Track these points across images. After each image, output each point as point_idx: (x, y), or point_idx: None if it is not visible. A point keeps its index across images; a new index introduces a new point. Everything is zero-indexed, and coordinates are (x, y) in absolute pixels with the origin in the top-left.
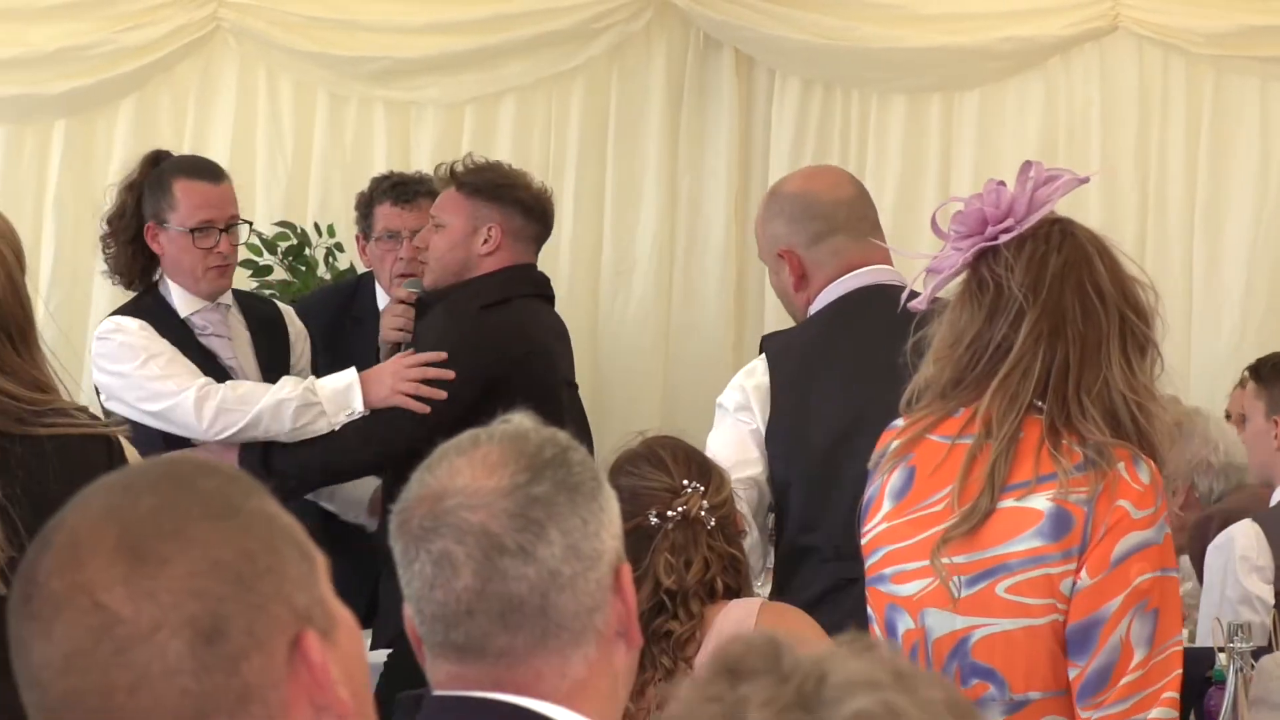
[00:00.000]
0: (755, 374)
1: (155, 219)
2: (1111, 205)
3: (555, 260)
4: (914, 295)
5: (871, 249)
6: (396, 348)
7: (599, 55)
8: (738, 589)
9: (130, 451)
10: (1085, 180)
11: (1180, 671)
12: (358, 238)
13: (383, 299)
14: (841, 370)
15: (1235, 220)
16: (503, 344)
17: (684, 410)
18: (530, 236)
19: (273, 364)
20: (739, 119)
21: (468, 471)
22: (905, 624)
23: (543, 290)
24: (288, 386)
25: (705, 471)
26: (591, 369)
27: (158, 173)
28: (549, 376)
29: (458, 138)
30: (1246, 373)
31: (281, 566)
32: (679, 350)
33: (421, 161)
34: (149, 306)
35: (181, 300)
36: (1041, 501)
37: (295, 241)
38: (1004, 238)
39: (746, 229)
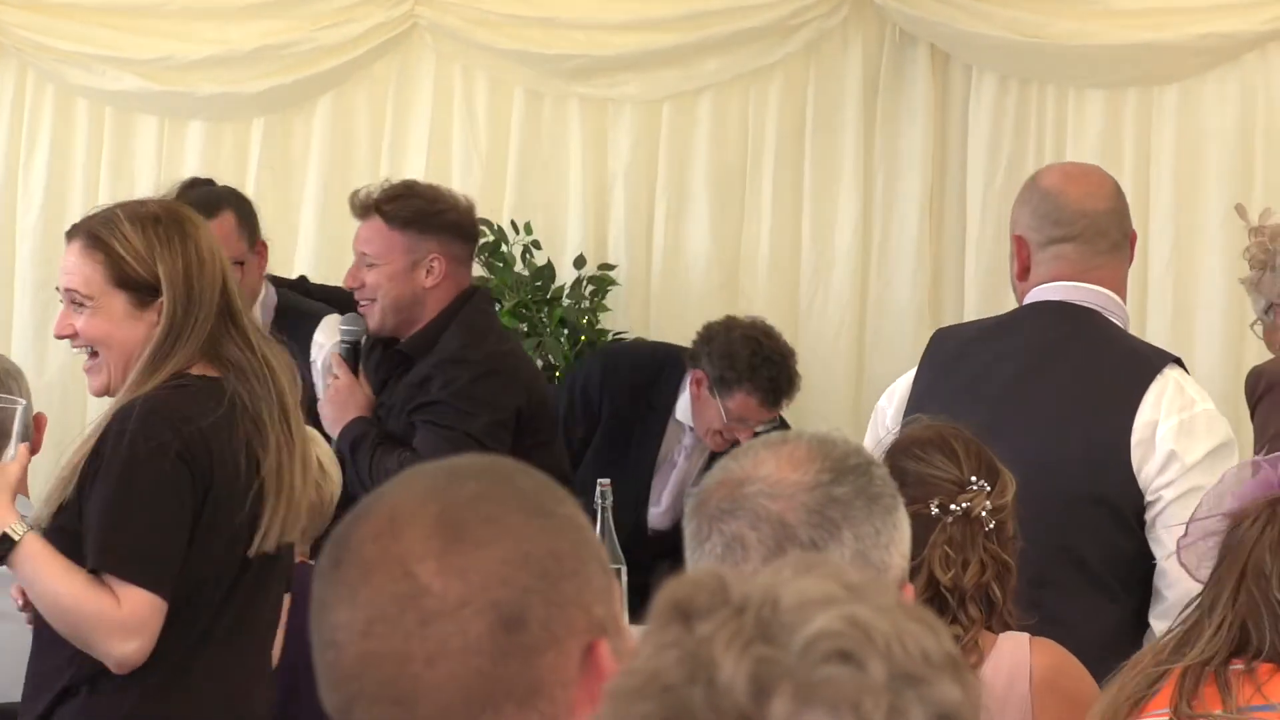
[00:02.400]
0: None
1: None
2: None
3: (754, 259)
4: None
5: (1097, 265)
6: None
7: (796, 52)
8: (1003, 601)
9: None
10: None
11: None
12: None
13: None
14: (969, 377)
15: None
16: (527, 379)
17: None
18: (468, 256)
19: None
20: (934, 116)
21: (773, 463)
22: None
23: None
24: None
25: (993, 471)
26: None
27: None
28: (550, 405)
29: (655, 135)
30: None
31: (585, 574)
32: (875, 348)
33: (618, 159)
34: None
35: None
36: None
37: (492, 238)
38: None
39: (941, 226)
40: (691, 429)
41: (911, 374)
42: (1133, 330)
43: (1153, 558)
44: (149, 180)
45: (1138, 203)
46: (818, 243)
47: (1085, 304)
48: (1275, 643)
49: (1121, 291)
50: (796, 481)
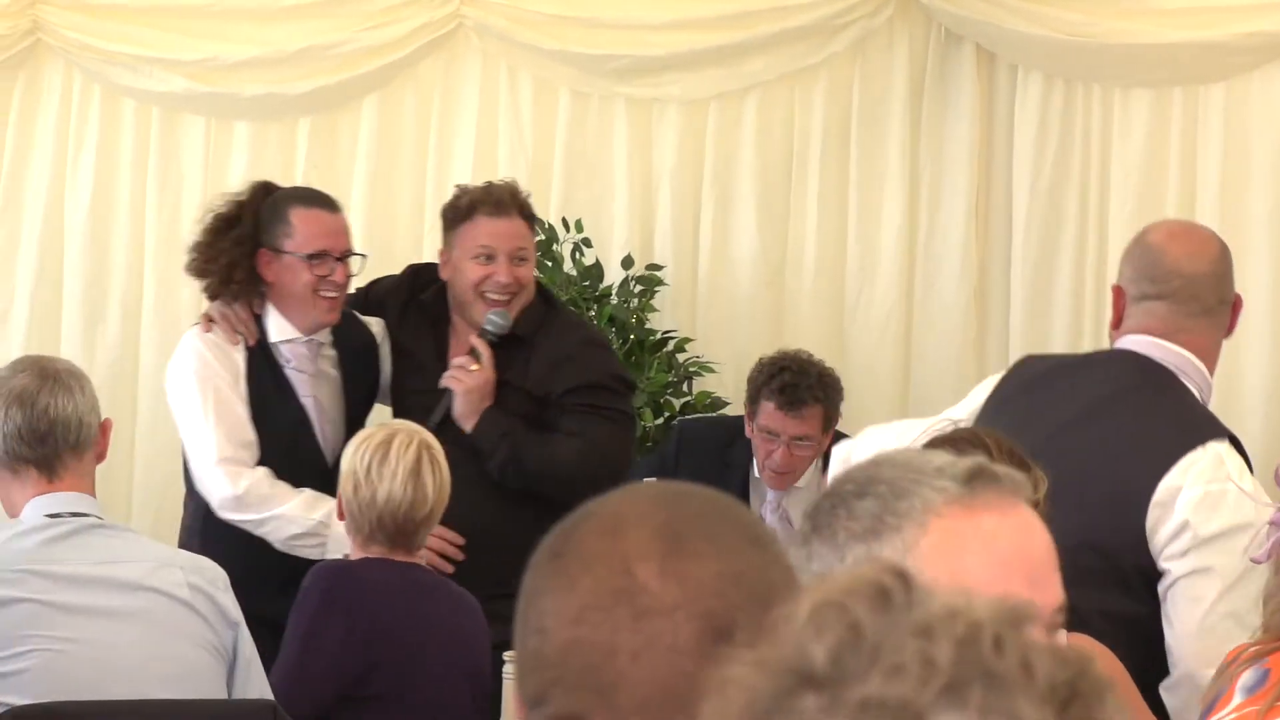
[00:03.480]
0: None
1: (270, 246)
2: None
3: (800, 258)
4: None
5: (1185, 328)
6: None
7: (841, 51)
8: None
9: None
10: None
11: None
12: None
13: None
14: (1035, 406)
15: None
16: None
17: (925, 408)
18: None
19: (362, 398)
20: (980, 115)
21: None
22: None
23: None
24: (305, 510)
25: (1024, 467)
26: (838, 366)
27: (272, 200)
28: None
29: (700, 135)
30: None
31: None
32: (920, 347)
33: (664, 159)
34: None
35: (276, 327)
36: None
37: (542, 237)
38: None
39: (988, 225)
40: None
41: (987, 387)
42: None
43: (1147, 623)
44: (196, 181)
45: (1183, 202)
46: (863, 242)
47: (1163, 361)
48: None
49: (1207, 357)
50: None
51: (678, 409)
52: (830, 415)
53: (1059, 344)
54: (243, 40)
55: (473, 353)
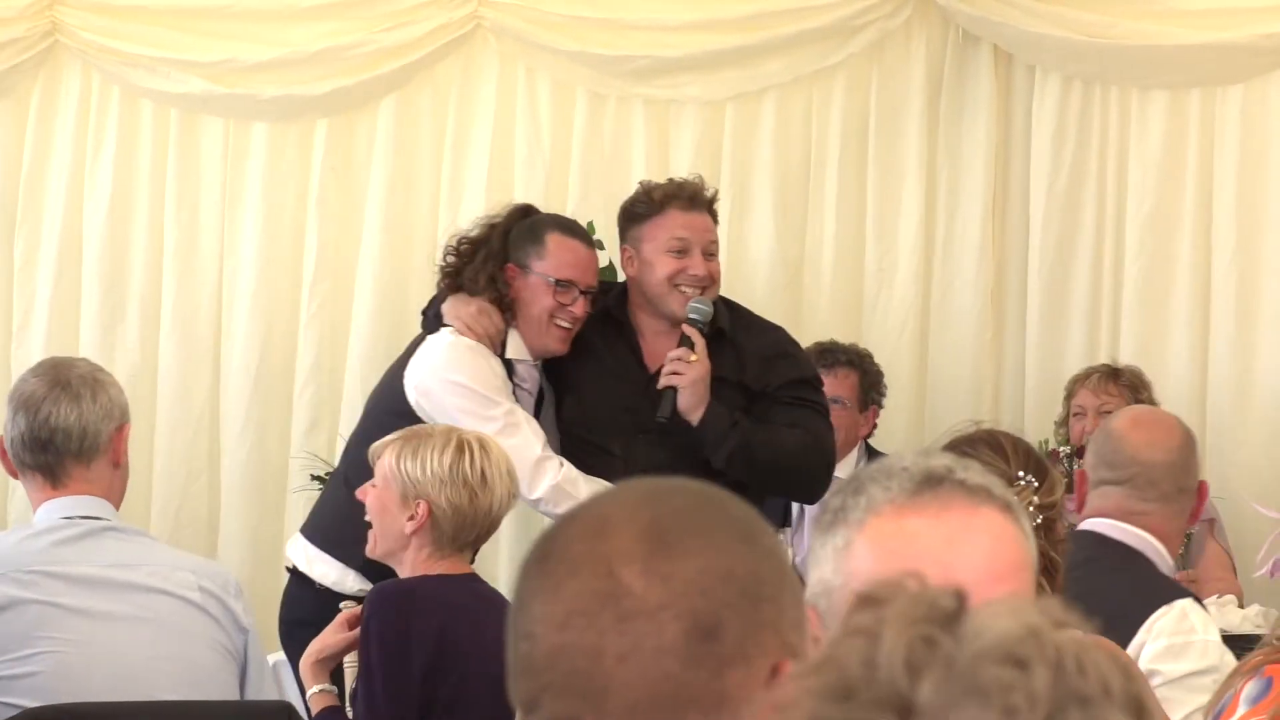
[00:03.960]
0: None
1: (519, 263)
2: None
3: (818, 258)
4: None
5: (1141, 511)
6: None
7: (859, 52)
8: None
9: None
10: None
11: None
12: None
13: None
14: None
15: None
16: None
17: (942, 409)
18: None
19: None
20: (997, 116)
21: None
22: None
23: None
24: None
25: (1042, 469)
26: None
27: (531, 222)
28: None
29: (718, 136)
30: None
31: (782, 601)
32: (938, 347)
33: (681, 161)
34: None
35: (514, 345)
36: None
37: None
38: None
39: (1005, 226)
40: None
41: None
42: (1195, 327)
43: None
44: (214, 182)
45: (1200, 203)
46: (881, 243)
47: (1121, 540)
48: None
49: (1168, 542)
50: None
51: None
52: (866, 386)
53: (1075, 345)
54: (261, 41)
55: (683, 342)
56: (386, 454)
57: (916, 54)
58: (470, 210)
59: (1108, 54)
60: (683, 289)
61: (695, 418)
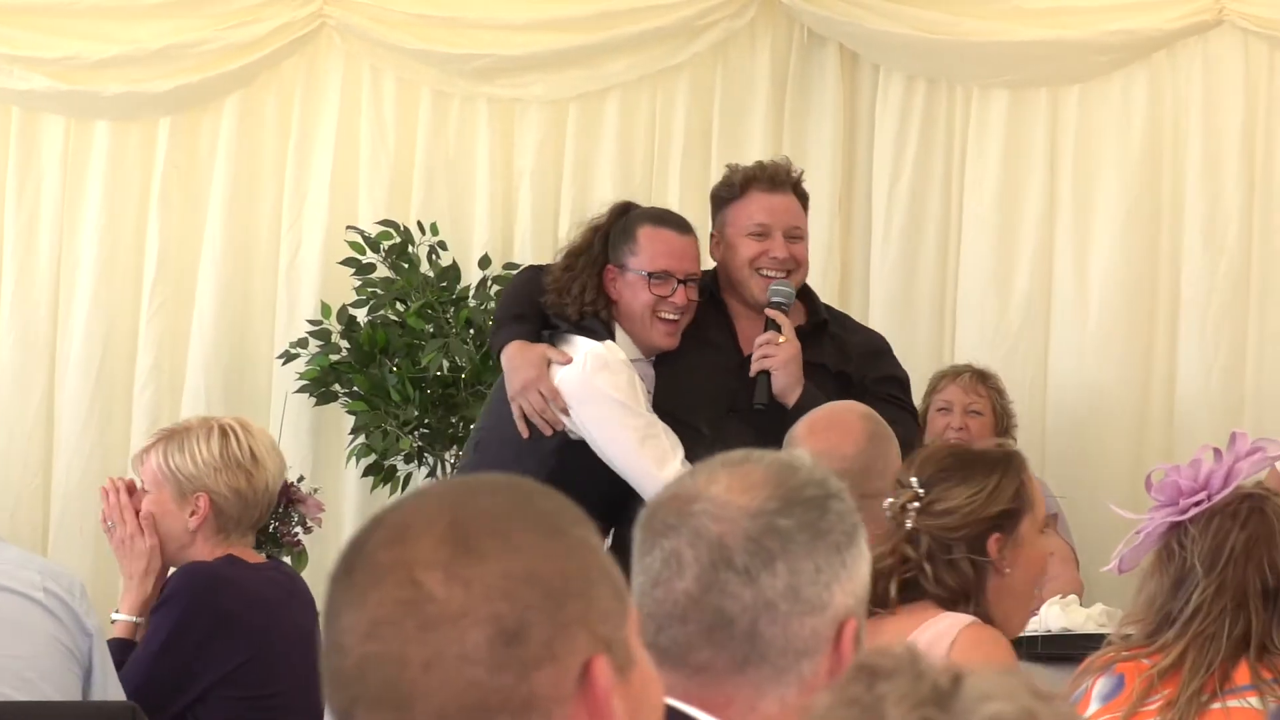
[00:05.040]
0: None
1: (617, 263)
2: (1215, 201)
3: None
4: None
5: None
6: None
7: (703, 52)
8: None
9: None
10: None
11: None
12: None
13: None
14: None
15: None
16: None
17: None
18: None
19: None
20: (843, 115)
21: (724, 483)
22: None
23: None
24: None
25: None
26: None
27: (626, 219)
28: None
29: (562, 135)
30: None
31: (592, 595)
32: None
33: (525, 159)
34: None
35: (624, 346)
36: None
37: (398, 240)
38: (1193, 511)
39: (850, 224)
40: None
41: None
42: (1035, 325)
43: None
44: (55, 181)
45: (1042, 201)
46: None
47: None
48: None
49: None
50: (742, 506)
51: None
52: None
53: (920, 343)
54: (104, 39)
55: (769, 327)
56: (151, 457)
57: (761, 53)
58: (314, 210)
59: (951, 52)
60: (764, 272)
61: (791, 399)
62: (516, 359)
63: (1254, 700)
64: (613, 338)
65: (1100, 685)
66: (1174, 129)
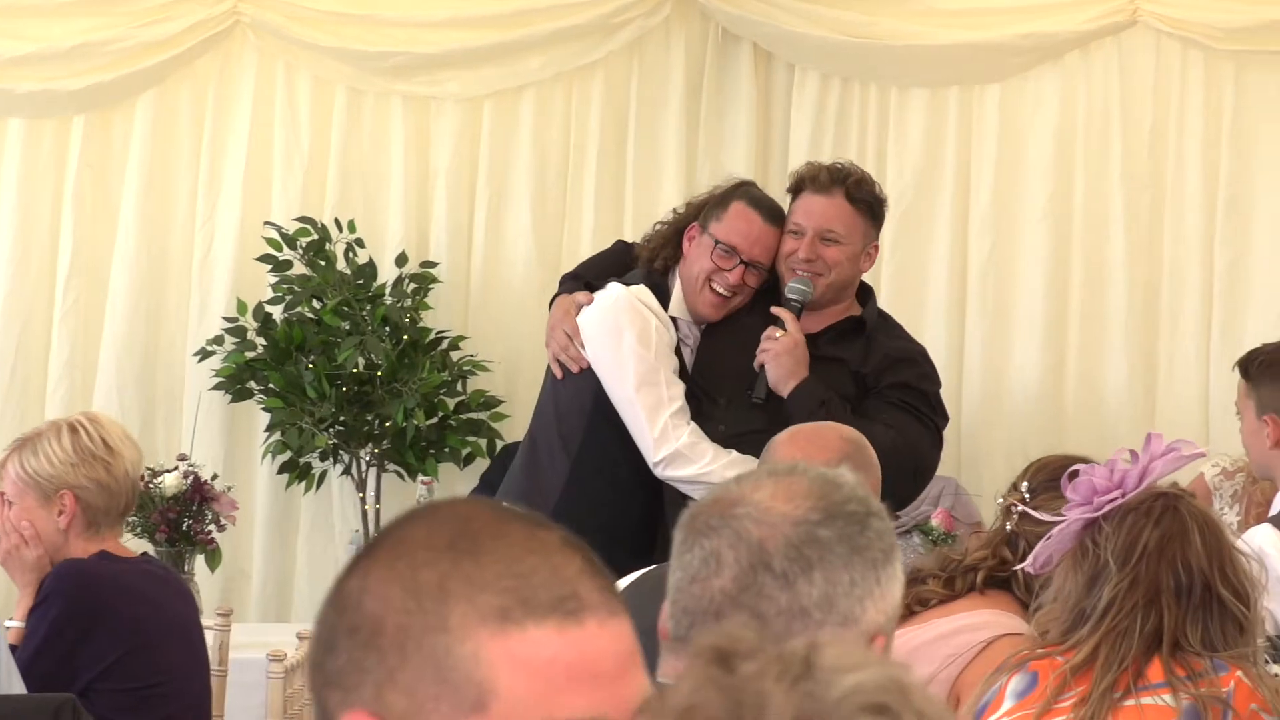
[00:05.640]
0: None
1: (701, 223)
2: (1129, 201)
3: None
4: None
5: None
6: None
7: (618, 50)
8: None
9: None
10: (1202, 454)
11: None
12: None
13: None
14: None
15: (1258, 216)
16: None
17: None
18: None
19: None
20: (757, 114)
21: (769, 490)
22: None
23: None
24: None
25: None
26: None
27: (732, 189)
28: None
29: (477, 132)
30: (1236, 368)
31: (397, 664)
32: None
33: (440, 156)
34: (658, 284)
35: (676, 301)
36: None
37: (315, 237)
38: (1107, 509)
39: None
40: None
41: None
42: (951, 325)
43: None
44: None
45: (958, 201)
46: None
47: None
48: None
49: None
50: (785, 514)
51: (451, 408)
52: None
53: None
54: (17, 36)
55: (776, 322)
56: (9, 468)
57: (676, 52)
58: (228, 208)
59: (866, 53)
60: (794, 270)
61: (785, 390)
62: (554, 310)
63: (1167, 697)
64: (667, 289)
65: (1015, 682)
66: (1088, 129)
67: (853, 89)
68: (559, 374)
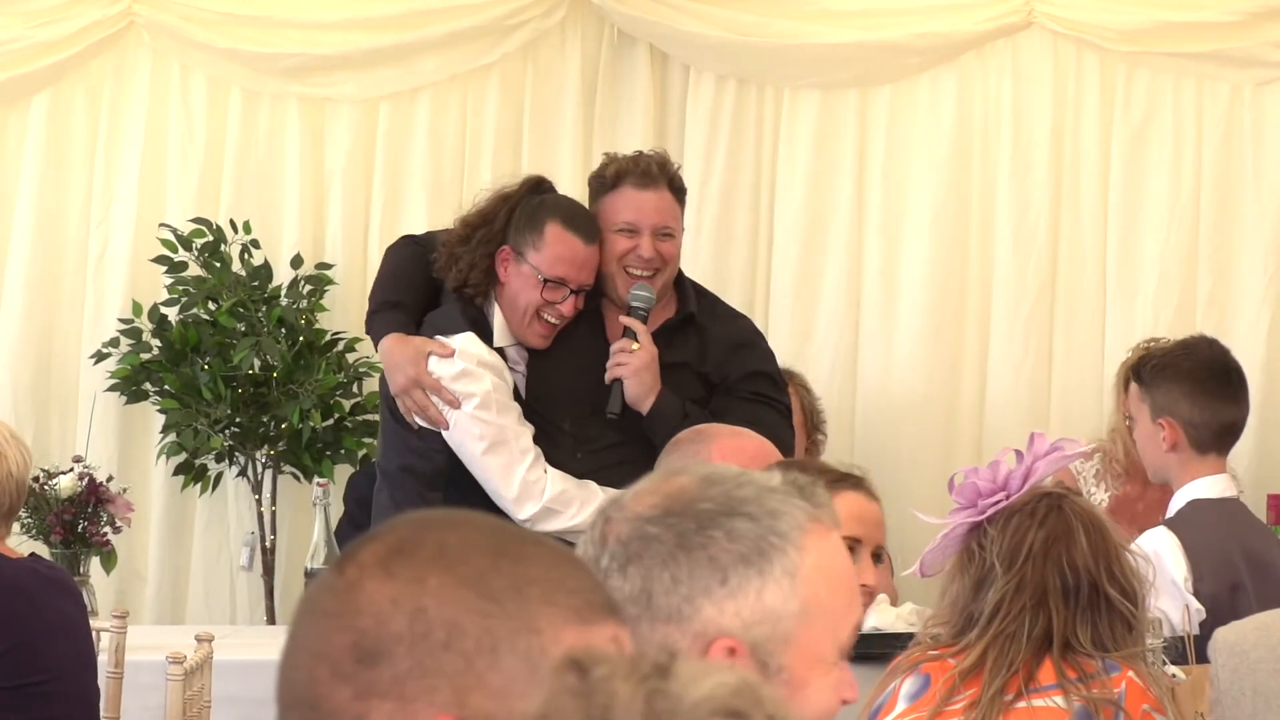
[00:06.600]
0: None
1: (515, 249)
2: (1024, 202)
3: None
4: None
5: None
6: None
7: (513, 51)
8: None
9: None
10: (1085, 453)
11: None
12: None
13: None
14: None
15: (1149, 217)
16: None
17: None
18: None
19: None
20: (653, 115)
21: (637, 490)
22: None
23: None
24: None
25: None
26: None
27: (536, 204)
28: None
29: (372, 134)
30: (1129, 373)
31: (484, 663)
32: None
33: (336, 158)
34: (475, 318)
35: (501, 331)
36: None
37: (211, 238)
38: (991, 511)
39: None
40: None
41: None
42: (845, 326)
43: None
44: None
45: (852, 203)
46: None
47: None
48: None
49: None
50: (633, 510)
51: (347, 410)
52: None
53: None
54: None
55: (627, 333)
56: None
57: (572, 53)
58: (123, 208)
59: (761, 53)
60: (631, 270)
61: (645, 407)
62: (395, 354)
63: (1059, 699)
64: (487, 319)
65: (907, 685)
66: (983, 130)
67: (748, 90)
68: (414, 425)
